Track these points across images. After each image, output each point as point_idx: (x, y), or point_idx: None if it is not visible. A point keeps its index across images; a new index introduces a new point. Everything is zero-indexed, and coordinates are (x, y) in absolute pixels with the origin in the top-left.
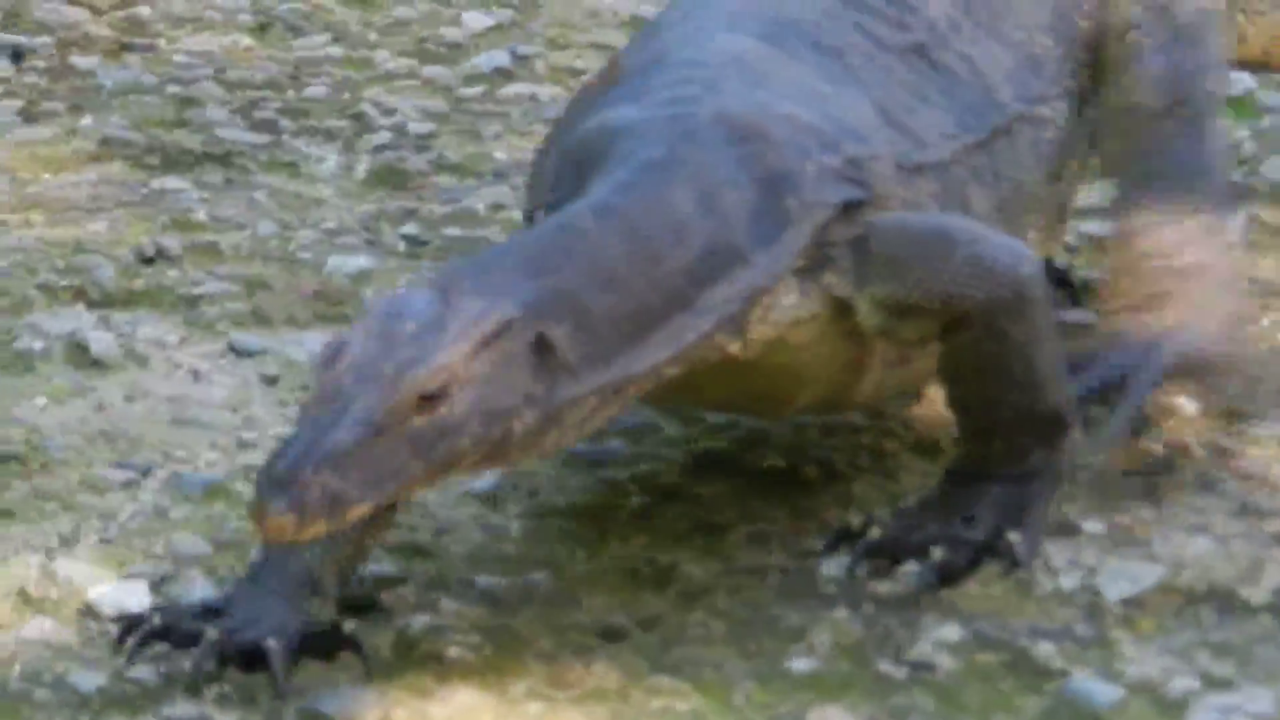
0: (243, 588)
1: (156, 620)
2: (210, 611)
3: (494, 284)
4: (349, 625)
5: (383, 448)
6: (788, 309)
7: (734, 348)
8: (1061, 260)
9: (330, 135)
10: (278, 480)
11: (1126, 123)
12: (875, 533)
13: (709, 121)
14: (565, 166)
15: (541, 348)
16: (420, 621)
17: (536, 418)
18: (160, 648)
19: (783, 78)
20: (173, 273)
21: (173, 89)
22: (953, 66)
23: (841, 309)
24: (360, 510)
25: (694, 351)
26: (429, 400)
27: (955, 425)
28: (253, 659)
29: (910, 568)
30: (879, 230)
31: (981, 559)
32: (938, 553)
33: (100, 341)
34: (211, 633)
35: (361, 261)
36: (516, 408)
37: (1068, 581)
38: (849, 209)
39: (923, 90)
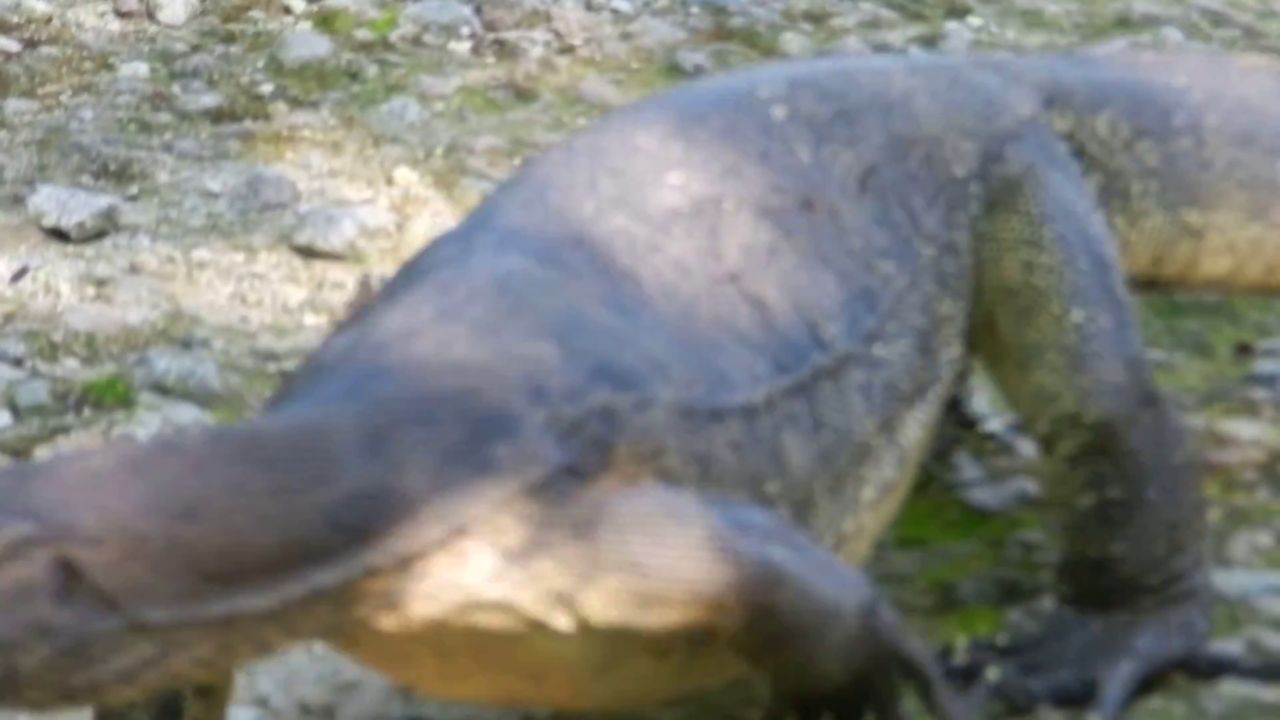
0: None
1: None
2: None
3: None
4: None
5: None
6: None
7: (387, 622)
8: None
9: None
10: None
11: None
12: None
13: (417, 356)
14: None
15: (67, 574)
16: None
17: (51, 653)
18: None
19: (550, 305)
20: None
21: None
22: (768, 298)
23: (559, 602)
24: None
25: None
26: None
27: None
28: None
29: None
30: (608, 507)
31: None
32: None
33: None
34: None
35: None
36: (23, 639)
37: None
38: (574, 475)
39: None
